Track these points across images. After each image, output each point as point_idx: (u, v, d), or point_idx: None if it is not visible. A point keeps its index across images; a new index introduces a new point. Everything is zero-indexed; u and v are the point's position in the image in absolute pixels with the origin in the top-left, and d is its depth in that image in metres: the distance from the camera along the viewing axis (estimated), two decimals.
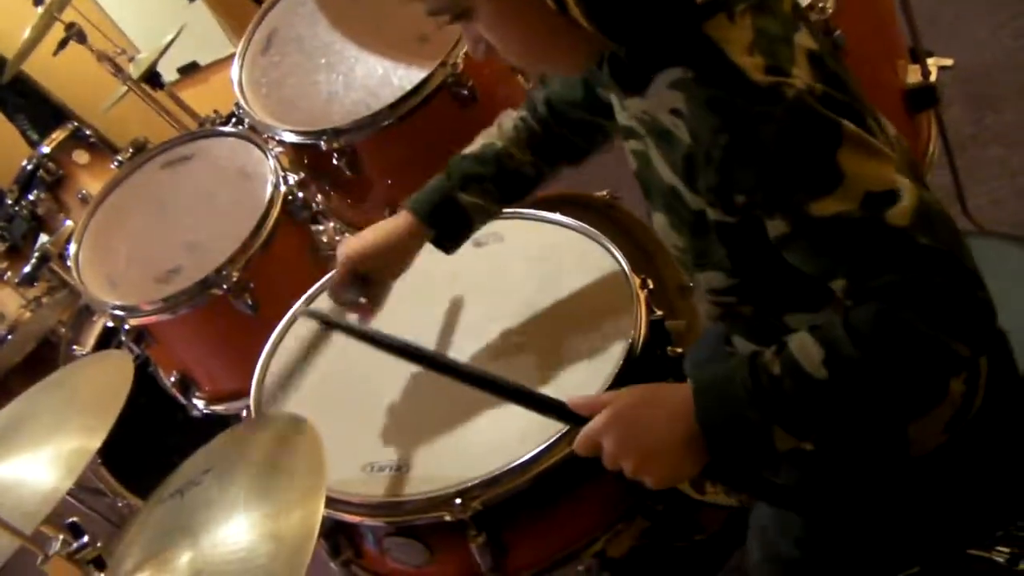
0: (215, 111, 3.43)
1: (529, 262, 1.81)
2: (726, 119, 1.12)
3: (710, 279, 1.32)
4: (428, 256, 1.74)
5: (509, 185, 1.69)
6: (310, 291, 1.96)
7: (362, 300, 1.73)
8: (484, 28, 1.25)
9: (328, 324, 1.76)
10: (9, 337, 3.45)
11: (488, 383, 1.38)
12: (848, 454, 1.42)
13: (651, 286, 1.68)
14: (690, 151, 1.18)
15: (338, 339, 1.84)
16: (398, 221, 1.68)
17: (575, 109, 1.61)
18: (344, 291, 1.72)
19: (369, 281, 1.71)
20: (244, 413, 1.79)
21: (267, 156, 2.49)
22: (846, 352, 1.12)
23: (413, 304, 1.81)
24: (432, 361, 1.46)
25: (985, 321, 1.12)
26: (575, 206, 2.42)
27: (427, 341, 1.73)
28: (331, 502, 1.53)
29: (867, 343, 1.12)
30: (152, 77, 3.49)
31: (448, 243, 1.70)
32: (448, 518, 1.47)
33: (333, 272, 1.74)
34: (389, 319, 1.80)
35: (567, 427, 1.44)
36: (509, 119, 1.69)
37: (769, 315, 1.34)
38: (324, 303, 1.86)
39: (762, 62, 1.12)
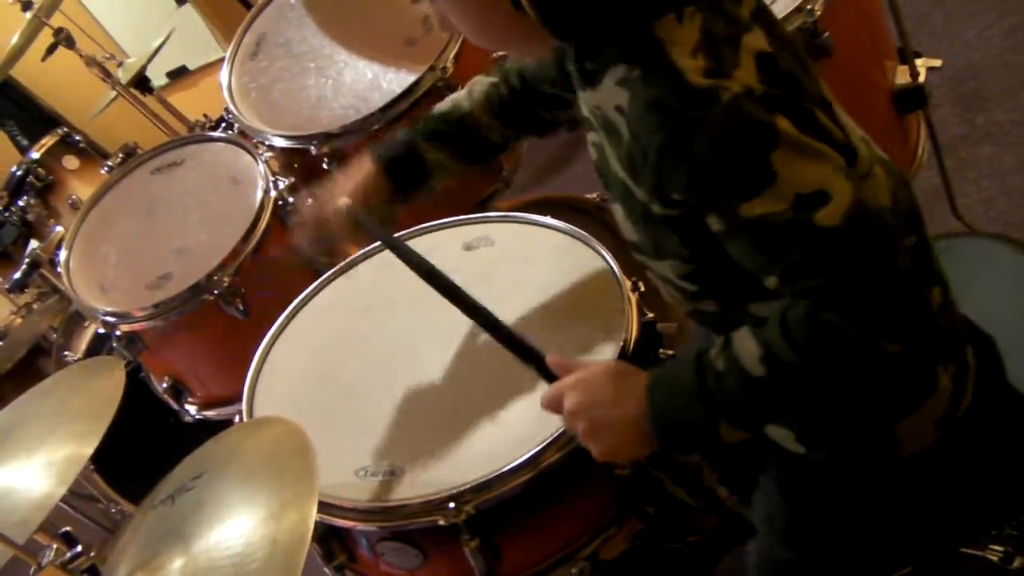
0: (205, 116, 3.42)
1: (520, 266, 1.81)
2: (662, 121, 1.13)
3: (669, 268, 1.34)
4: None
5: (473, 148, 1.71)
6: (302, 295, 1.96)
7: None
8: (447, 10, 1.29)
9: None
10: None
11: (482, 316, 1.45)
12: (837, 455, 1.43)
13: (642, 288, 1.68)
14: (630, 148, 1.20)
15: (331, 344, 1.84)
16: (359, 174, 1.71)
17: (546, 83, 1.61)
18: (316, 246, 1.76)
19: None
20: (236, 418, 1.79)
21: (257, 161, 2.49)
22: (778, 350, 1.15)
23: (405, 308, 1.81)
24: (442, 283, 1.51)
25: (916, 318, 1.13)
26: (565, 209, 2.43)
27: (419, 344, 1.73)
28: (324, 507, 1.53)
29: (797, 342, 1.14)
30: (141, 82, 3.49)
31: (403, 193, 1.72)
32: (441, 522, 1.47)
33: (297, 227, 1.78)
34: (381, 323, 1.81)
35: (556, 432, 1.48)
36: (480, 84, 1.70)
37: (734, 307, 1.35)
38: None
39: (703, 64, 1.13)
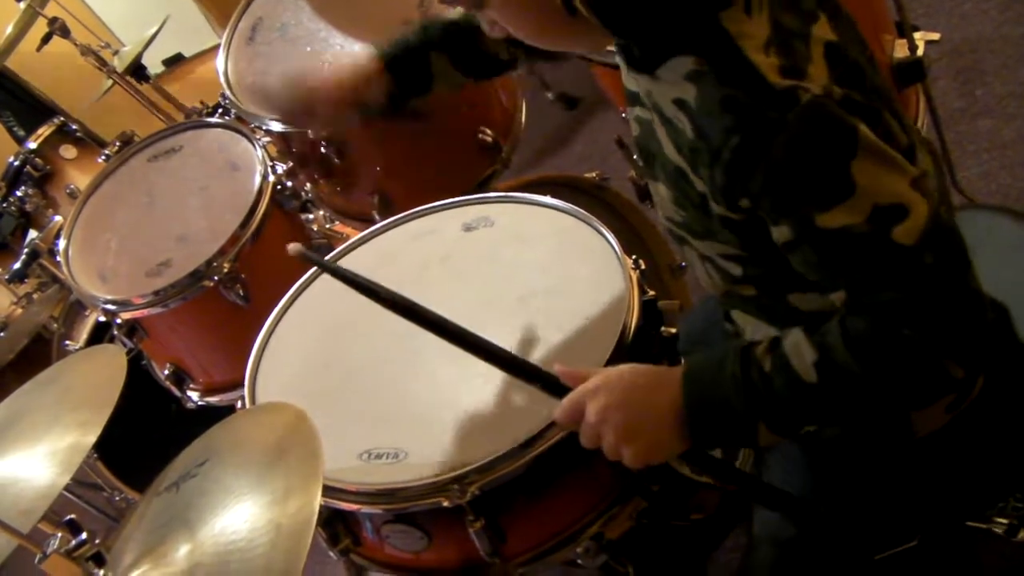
0: (201, 102, 3.42)
1: (520, 245, 1.80)
2: (739, 121, 1.09)
3: (718, 247, 1.30)
4: (419, 242, 1.74)
5: (480, 64, 1.71)
6: (302, 279, 1.95)
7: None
8: (498, 16, 1.25)
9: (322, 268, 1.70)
10: (1, 334, 3.45)
11: (479, 348, 1.36)
12: (850, 437, 1.42)
13: (643, 267, 1.67)
14: (695, 145, 1.16)
15: (333, 328, 1.84)
16: (361, 64, 1.71)
17: None
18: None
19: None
20: (238, 404, 1.79)
21: (255, 146, 2.49)
22: (839, 359, 1.12)
23: (407, 291, 1.80)
24: (424, 319, 1.40)
25: (983, 344, 1.11)
26: (565, 188, 2.42)
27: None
28: (328, 490, 1.53)
29: (862, 352, 1.11)
30: (137, 70, 3.49)
31: (402, 97, 1.72)
32: (446, 504, 1.47)
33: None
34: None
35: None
36: None
37: (773, 294, 1.33)
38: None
39: (777, 62, 1.10)
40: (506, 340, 1.63)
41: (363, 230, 2.01)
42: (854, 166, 1.07)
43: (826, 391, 1.14)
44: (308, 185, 2.55)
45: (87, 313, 3.17)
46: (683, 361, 1.26)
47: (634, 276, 1.64)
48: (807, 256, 1.14)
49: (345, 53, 2.36)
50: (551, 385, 1.31)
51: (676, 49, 1.17)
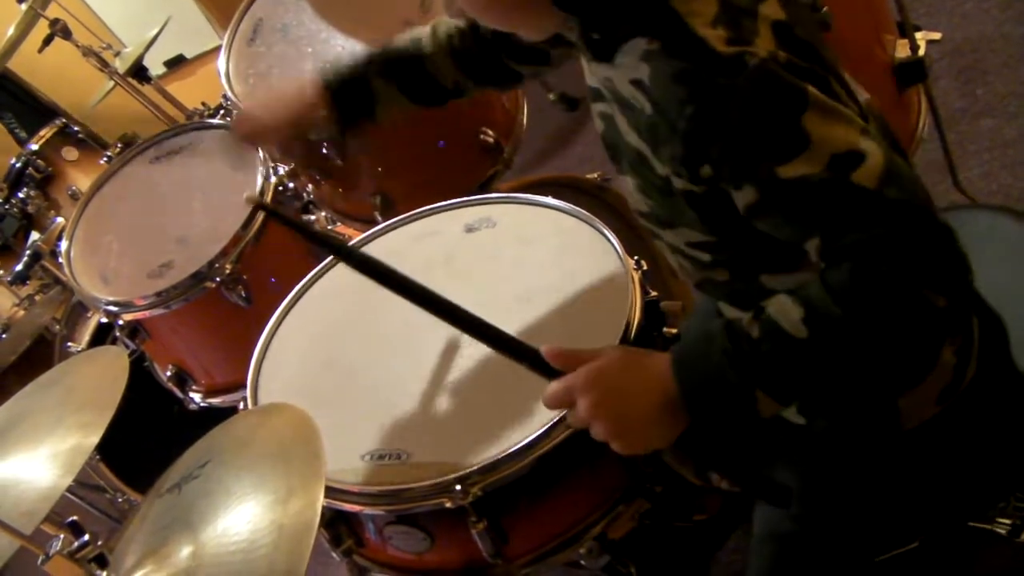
0: (203, 103, 3.42)
1: (522, 246, 1.81)
2: (691, 91, 1.13)
3: (685, 235, 1.32)
4: (421, 243, 1.74)
5: (424, 89, 1.72)
6: (304, 280, 1.95)
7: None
8: None
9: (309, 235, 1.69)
10: (3, 336, 3.45)
11: (464, 320, 1.35)
12: (839, 430, 1.42)
13: (645, 267, 1.68)
14: (652, 121, 1.20)
15: (335, 329, 1.84)
16: (301, 86, 1.71)
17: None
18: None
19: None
20: (241, 405, 1.79)
21: (256, 147, 2.48)
22: (825, 309, 1.12)
23: None
24: (411, 289, 1.39)
25: (959, 272, 1.12)
26: (567, 189, 2.43)
27: (422, 327, 1.73)
28: (331, 492, 1.53)
29: (846, 298, 1.12)
30: (139, 71, 3.48)
31: (343, 123, 1.72)
32: (448, 505, 1.47)
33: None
34: (384, 307, 1.80)
35: (563, 412, 1.41)
36: (445, 26, 1.69)
37: (745, 277, 1.34)
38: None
39: (725, 34, 1.14)
40: None
41: (365, 231, 2.01)
42: (805, 119, 1.10)
43: (817, 344, 1.14)
44: (310, 186, 2.55)
45: (89, 315, 3.17)
46: (672, 348, 1.25)
47: (636, 277, 1.64)
48: (773, 214, 1.17)
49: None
50: (538, 364, 1.29)
51: (629, 32, 1.21)
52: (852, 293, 1.11)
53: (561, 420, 1.45)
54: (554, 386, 1.26)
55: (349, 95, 1.69)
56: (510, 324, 1.63)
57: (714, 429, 1.24)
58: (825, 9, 1.90)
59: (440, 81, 1.69)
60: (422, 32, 1.69)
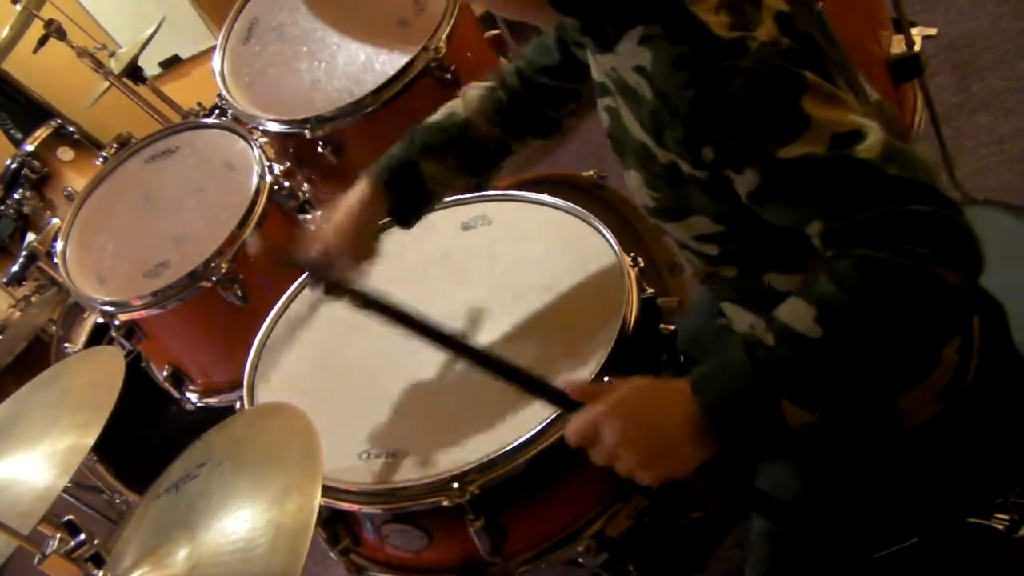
0: (198, 103, 3.41)
1: (518, 244, 1.80)
2: (693, 74, 1.14)
3: (694, 225, 1.31)
4: (417, 241, 1.74)
5: (472, 157, 1.68)
6: (299, 280, 1.95)
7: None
8: None
9: (339, 290, 1.59)
10: None
11: (484, 360, 1.37)
12: (841, 429, 1.41)
13: (641, 264, 1.68)
14: (655, 108, 1.20)
15: (331, 328, 1.83)
16: (358, 195, 1.66)
17: (546, 75, 1.61)
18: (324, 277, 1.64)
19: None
20: (237, 405, 1.79)
21: (252, 146, 2.48)
22: (836, 302, 1.11)
23: (404, 290, 1.80)
24: (431, 333, 1.41)
25: (968, 244, 1.09)
26: (562, 186, 2.42)
27: None
28: (328, 490, 1.53)
29: (855, 286, 1.10)
30: (134, 72, 3.47)
31: (405, 215, 1.69)
32: (446, 503, 1.47)
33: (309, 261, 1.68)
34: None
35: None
36: (475, 89, 1.68)
37: (751, 275, 1.34)
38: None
39: (727, 20, 1.15)
40: (504, 337, 1.63)
41: None
42: (804, 102, 1.11)
43: (835, 341, 1.12)
44: (306, 185, 2.55)
45: (85, 315, 3.17)
46: (690, 372, 1.22)
47: (633, 273, 1.64)
48: (776, 198, 1.16)
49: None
50: (559, 399, 1.30)
51: (632, 20, 1.21)
52: (861, 279, 1.09)
53: (557, 418, 1.45)
54: (576, 419, 1.25)
55: (403, 187, 1.65)
56: (507, 322, 1.64)
57: (743, 448, 1.21)
58: (820, 5, 1.90)
59: (487, 145, 1.67)
60: (453, 104, 1.68)
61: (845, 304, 1.10)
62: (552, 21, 1.42)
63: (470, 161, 1.68)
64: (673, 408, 1.20)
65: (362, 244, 1.68)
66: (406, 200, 1.67)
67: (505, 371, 1.35)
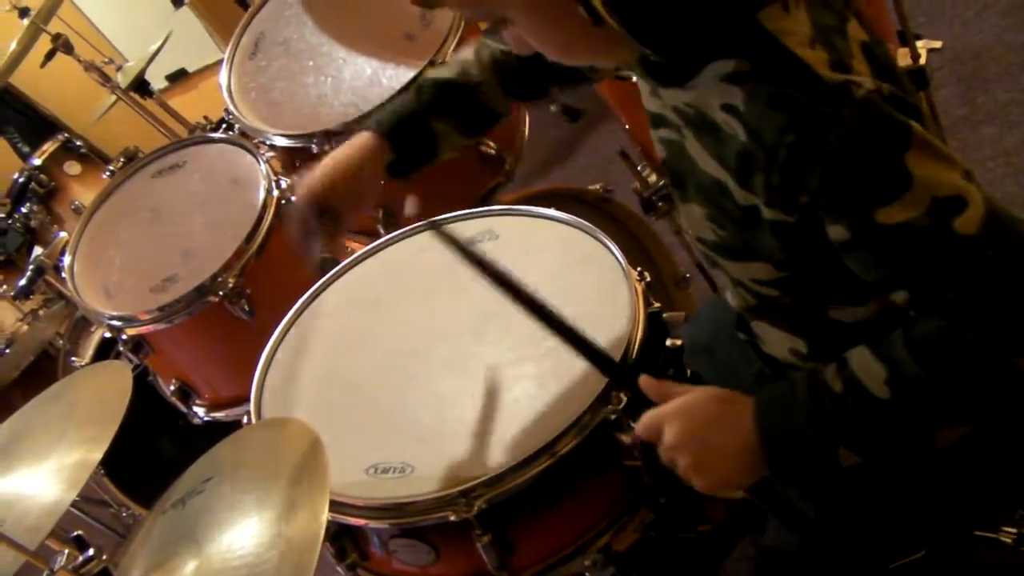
0: (205, 117, 3.42)
1: (525, 258, 1.80)
2: (792, 118, 1.07)
3: (753, 270, 1.29)
4: (424, 255, 1.74)
5: (474, 120, 1.68)
6: (307, 294, 1.95)
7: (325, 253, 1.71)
8: (524, 31, 1.22)
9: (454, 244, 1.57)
10: (6, 351, 3.45)
11: (563, 328, 1.41)
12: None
13: (648, 278, 1.67)
14: (745, 148, 1.13)
15: (338, 342, 1.84)
16: (355, 142, 1.63)
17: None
18: (311, 237, 1.63)
19: (330, 216, 1.63)
20: (245, 419, 1.79)
21: (259, 161, 2.48)
22: (909, 372, 1.10)
23: (411, 304, 1.81)
24: (522, 296, 1.46)
25: None
26: (569, 201, 2.42)
27: (425, 340, 1.73)
28: (335, 505, 1.53)
29: (931, 363, 1.09)
30: (141, 86, 3.49)
31: (405, 169, 1.66)
32: (453, 518, 1.47)
33: (292, 209, 1.66)
34: (387, 320, 1.80)
35: (574, 420, 1.45)
36: (487, 49, 1.64)
37: (811, 307, 1.32)
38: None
39: (825, 56, 1.08)
40: (512, 352, 1.63)
41: (368, 244, 2.01)
42: (908, 159, 1.05)
43: (901, 406, 1.12)
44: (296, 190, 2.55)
45: (93, 329, 3.18)
46: (755, 398, 1.24)
47: (639, 288, 1.64)
48: (865, 256, 1.12)
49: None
50: (636, 391, 1.34)
51: (713, 54, 1.15)
52: (938, 356, 1.09)
53: (565, 433, 1.45)
54: (648, 415, 1.29)
55: (410, 139, 1.63)
56: (513, 336, 1.64)
57: (792, 479, 1.23)
58: None
59: (493, 108, 1.66)
60: (466, 60, 1.65)
61: (918, 375, 1.10)
62: (622, 61, 1.31)
63: (472, 123, 1.68)
64: (735, 428, 1.22)
65: (359, 201, 1.67)
66: (410, 154, 1.65)
67: (584, 345, 1.40)
